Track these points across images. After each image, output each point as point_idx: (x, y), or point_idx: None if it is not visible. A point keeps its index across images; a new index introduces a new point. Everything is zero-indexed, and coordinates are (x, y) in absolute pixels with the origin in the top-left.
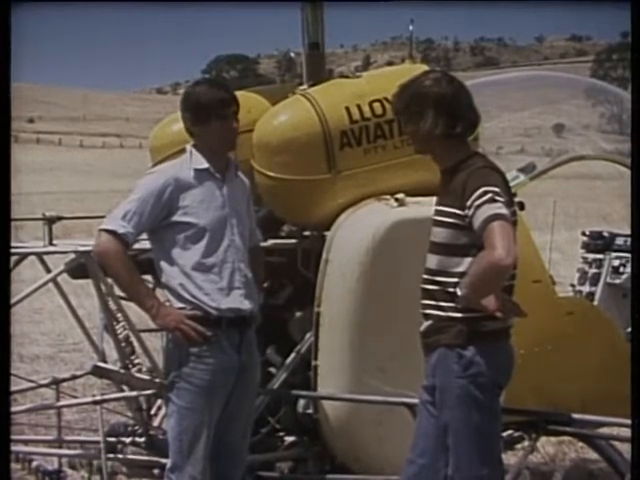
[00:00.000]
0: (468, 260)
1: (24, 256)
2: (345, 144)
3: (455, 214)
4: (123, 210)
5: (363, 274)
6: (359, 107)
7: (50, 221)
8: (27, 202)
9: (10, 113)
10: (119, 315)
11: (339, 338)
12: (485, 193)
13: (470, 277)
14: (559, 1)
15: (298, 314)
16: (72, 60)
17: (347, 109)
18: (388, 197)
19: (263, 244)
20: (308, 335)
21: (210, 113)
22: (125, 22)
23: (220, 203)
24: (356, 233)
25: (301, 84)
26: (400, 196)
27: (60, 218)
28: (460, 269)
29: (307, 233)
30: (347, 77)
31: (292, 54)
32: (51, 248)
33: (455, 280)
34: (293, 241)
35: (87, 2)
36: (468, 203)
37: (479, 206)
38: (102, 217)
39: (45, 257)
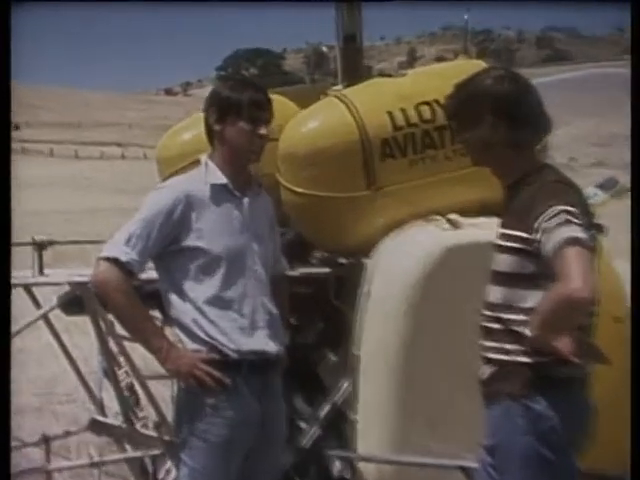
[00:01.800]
0: (537, 293)
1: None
2: (387, 155)
3: (521, 238)
4: (126, 233)
5: (410, 310)
6: (404, 111)
7: (40, 246)
8: (13, 224)
9: (10, 121)
10: (121, 358)
11: (381, 387)
12: (558, 213)
13: (540, 313)
14: None
15: (332, 357)
16: (64, 57)
17: (389, 113)
18: (439, 218)
19: (289, 273)
20: (344, 382)
21: (240, 112)
22: (127, 13)
23: (239, 226)
24: (401, 261)
25: (335, 84)
26: (453, 217)
27: (51, 243)
28: (528, 304)
29: (342, 260)
30: (389, 75)
31: (324, 48)
32: (41, 279)
33: (521, 317)
34: (325, 270)
35: (88, 2)
36: (537, 225)
37: (551, 229)
38: (101, 242)
39: (34, 289)
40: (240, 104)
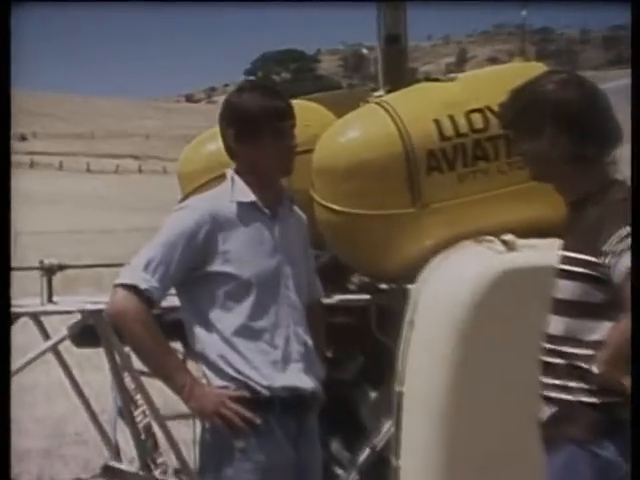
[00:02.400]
0: (605, 324)
1: (15, 317)
2: (434, 168)
3: (587, 262)
4: (145, 258)
5: (460, 342)
6: (452, 119)
7: (49, 271)
8: (18, 245)
9: (10, 129)
10: (138, 396)
11: (428, 428)
12: (629, 235)
13: (609, 348)
14: None
15: (372, 395)
16: (75, 61)
17: (436, 122)
18: (492, 239)
19: (325, 301)
20: (385, 423)
21: (260, 127)
22: (142, 12)
23: (270, 248)
24: (450, 287)
25: (375, 89)
26: (509, 237)
27: (62, 267)
28: (595, 336)
29: (384, 286)
30: (436, 80)
31: (364, 50)
32: (50, 307)
33: (587, 351)
34: (365, 297)
35: (89, 1)
36: (606, 248)
37: (621, 252)
38: (117, 265)
39: (42, 318)
40: (259, 117)
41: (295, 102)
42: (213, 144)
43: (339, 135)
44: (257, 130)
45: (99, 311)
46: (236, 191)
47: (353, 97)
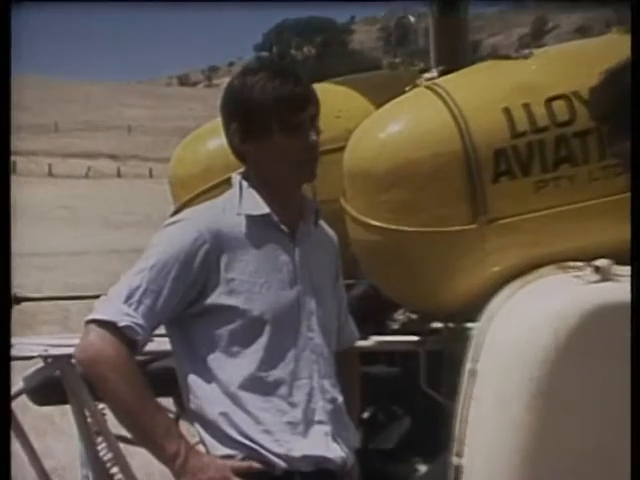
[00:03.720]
0: None
1: None
2: (502, 172)
3: None
4: (127, 287)
5: (538, 396)
6: (528, 109)
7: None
8: None
9: (10, 123)
10: (115, 469)
11: None
12: None
13: None
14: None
15: (421, 468)
16: (36, 34)
17: (507, 112)
18: (580, 264)
19: (361, 344)
20: None
21: (273, 119)
22: None
23: (289, 276)
24: (525, 327)
25: (426, 69)
26: (602, 263)
27: (19, 300)
28: None
29: (436, 326)
30: (506, 57)
31: (410, 17)
32: None
33: None
34: (412, 339)
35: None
36: None
37: None
38: (89, 297)
39: None
40: (271, 107)
41: (320, 86)
42: (215, 140)
43: (378, 129)
44: (269, 123)
45: (66, 356)
46: (245, 201)
47: (396, 79)
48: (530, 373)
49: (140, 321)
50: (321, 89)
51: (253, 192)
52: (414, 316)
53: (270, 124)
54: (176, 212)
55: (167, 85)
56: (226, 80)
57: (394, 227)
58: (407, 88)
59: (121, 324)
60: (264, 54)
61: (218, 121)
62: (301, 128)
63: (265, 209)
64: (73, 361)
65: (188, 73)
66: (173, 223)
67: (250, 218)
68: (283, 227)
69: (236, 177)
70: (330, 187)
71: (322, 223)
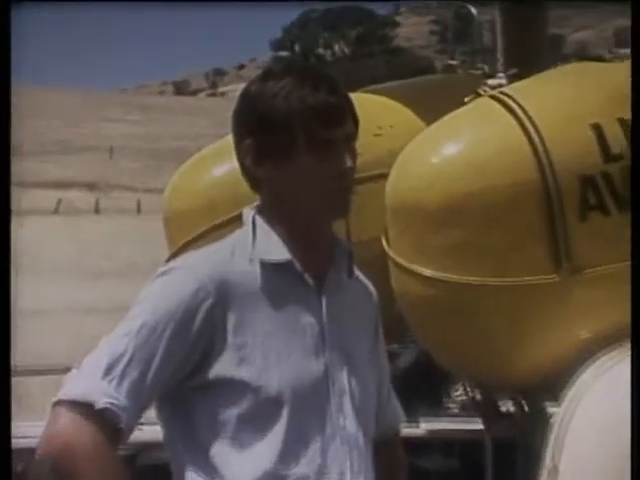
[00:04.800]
0: None
1: None
2: (591, 207)
3: None
4: (108, 355)
5: None
6: (624, 125)
7: None
8: None
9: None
10: None
11: None
12: None
13: None
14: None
15: None
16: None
17: (597, 129)
18: None
19: (408, 430)
20: None
21: (298, 137)
22: None
23: (314, 341)
24: (622, 412)
25: (491, 74)
26: None
27: None
28: None
29: (506, 407)
30: (598, 59)
31: (472, 8)
32: None
33: None
34: (475, 425)
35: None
36: None
37: None
38: (57, 371)
39: None
40: (294, 122)
41: (355, 96)
42: (221, 165)
43: (431, 152)
44: (294, 142)
45: (28, 450)
46: (259, 244)
47: (453, 87)
48: (628, 471)
49: (124, 401)
50: (356, 99)
51: (270, 232)
52: (477, 394)
53: (295, 142)
54: (172, 257)
55: (160, 94)
56: (234, 87)
57: (451, 278)
58: (467, 98)
59: (99, 406)
60: (283, 54)
61: (226, 140)
62: (334, 149)
63: (285, 254)
64: (37, 454)
65: (187, 79)
66: (167, 272)
67: (266, 266)
68: (307, 277)
69: (249, 212)
70: (368, 225)
71: (358, 272)
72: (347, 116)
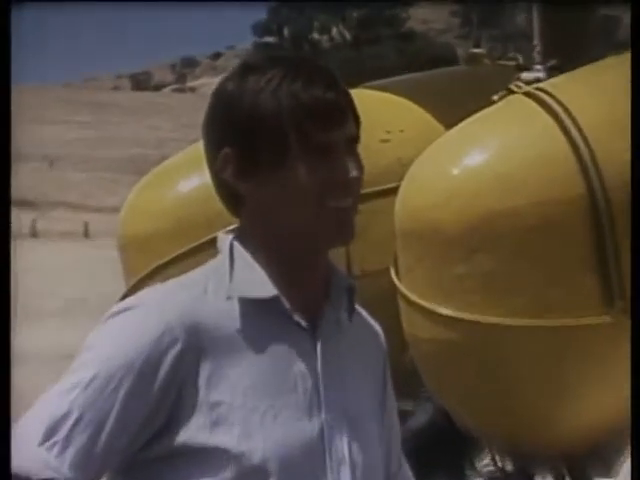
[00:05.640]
0: None
1: None
2: None
3: None
4: (48, 415)
5: None
6: None
7: None
8: None
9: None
10: None
11: None
12: None
13: None
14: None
15: None
16: None
17: None
18: None
19: None
20: None
21: (288, 143)
22: None
23: (307, 397)
24: None
25: (525, 67)
26: None
27: None
28: None
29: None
30: None
31: None
32: None
33: None
34: None
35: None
36: None
37: None
38: None
39: None
40: (286, 124)
41: (358, 92)
42: (191, 180)
43: (451, 161)
44: (283, 148)
45: None
46: (239, 277)
47: (479, 80)
48: None
49: (68, 473)
50: (359, 96)
51: (252, 262)
52: (509, 464)
53: (287, 149)
54: (129, 293)
55: (114, 89)
56: (207, 81)
57: (476, 318)
58: (496, 96)
59: (38, 477)
60: (269, 40)
61: (197, 148)
62: (335, 155)
63: (271, 289)
64: None
65: (148, 70)
66: (124, 311)
67: (247, 304)
68: (299, 318)
69: (225, 238)
70: (373, 253)
71: (361, 310)
72: (348, 115)
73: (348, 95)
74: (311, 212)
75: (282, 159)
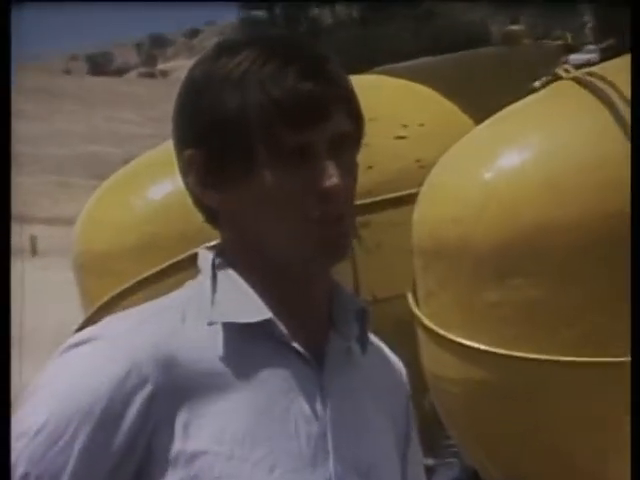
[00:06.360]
0: None
1: None
2: None
3: None
4: None
5: None
6: None
7: None
8: None
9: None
10: None
11: None
12: None
13: None
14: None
15: None
16: None
17: None
18: None
19: None
20: None
21: (253, 144)
22: None
23: (310, 449)
24: None
25: (574, 47)
26: None
27: None
28: None
29: None
30: None
31: None
32: None
33: None
34: None
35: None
36: None
37: None
38: None
39: None
40: (251, 120)
41: (370, 78)
42: (162, 186)
43: (482, 164)
44: (248, 153)
45: None
46: (223, 299)
47: (516, 64)
48: None
49: None
50: (369, 83)
51: (238, 281)
52: None
53: (251, 153)
54: (87, 323)
55: (66, 73)
56: (182, 63)
57: (512, 353)
58: (538, 82)
59: None
60: (257, 14)
61: (169, 146)
62: (312, 158)
63: (262, 312)
64: None
65: (109, 50)
66: (81, 344)
67: (234, 331)
68: (297, 346)
69: (206, 254)
70: (386, 275)
71: (376, 341)
72: (334, 107)
73: (338, 84)
74: (289, 227)
75: (249, 165)
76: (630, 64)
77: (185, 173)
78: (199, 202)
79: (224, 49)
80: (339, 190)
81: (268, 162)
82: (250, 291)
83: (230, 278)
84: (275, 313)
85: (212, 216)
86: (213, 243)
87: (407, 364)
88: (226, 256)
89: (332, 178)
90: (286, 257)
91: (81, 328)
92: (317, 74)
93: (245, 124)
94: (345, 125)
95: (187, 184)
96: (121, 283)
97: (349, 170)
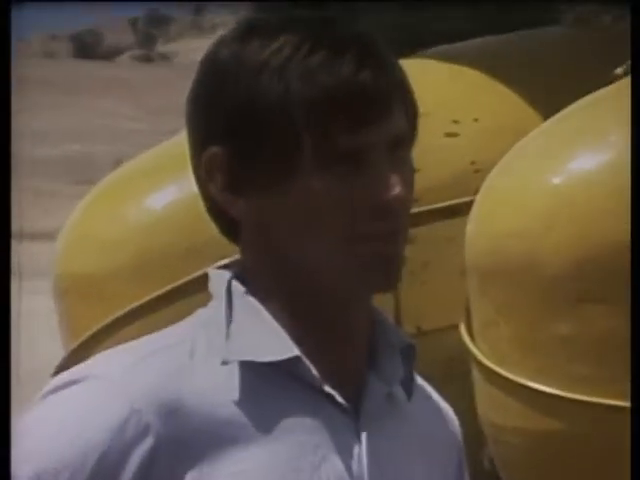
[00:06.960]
0: None
1: None
2: None
3: None
4: None
5: None
6: None
7: None
8: None
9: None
10: None
11: None
12: None
13: None
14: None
15: None
16: None
17: None
18: None
19: None
20: None
21: (298, 145)
22: None
23: None
24: None
25: None
26: None
27: None
28: None
29: None
30: None
31: None
32: None
33: None
34: None
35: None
36: None
37: None
38: None
39: None
40: (297, 118)
41: (416, 64)
42: (163, 193)
43: (551, 167)
44: (292, 155)
45: None
46: (241, 332)
47: (589, 49)
48: None
49: None
50: (416, 71)
51: (261, 310)
52: None
53: (295, 155)
54: (72, 359)
55: (47, 56)
56: (186, 46)
57: (593, 399)
58: (620, 69)
59: None
60: None
61: (171, 146)
62: (369, 164)
63: (288, 348)
64: None
65: (97, 29)
66: (70, 385)
67: (253, 370)
68: (330, 390)
69: (220, 276)
70: (434, 302)
71: (421, 382)
72: (394, 105)
73: (397, 75)
74: (334, 245)
75: (291, 169)
76: None
77: (206, 176)
78: (218, 211)
79: (256, 30)
80: (401, 203)
81: (315, 166)
82: (274, 322)
83: (249, 305)
84: (304, 350)
85: (232, 228)
86: (227, 261)
87: (459, 411)
88: (245, 278)
89: (394, 188)
90: (326, 281)
91: (62, 366)
92: (374, 62)
93: (289, 120)
94: (404, 123)
95: (204, 189)
96: (112, 311)
97: (407, 178)
